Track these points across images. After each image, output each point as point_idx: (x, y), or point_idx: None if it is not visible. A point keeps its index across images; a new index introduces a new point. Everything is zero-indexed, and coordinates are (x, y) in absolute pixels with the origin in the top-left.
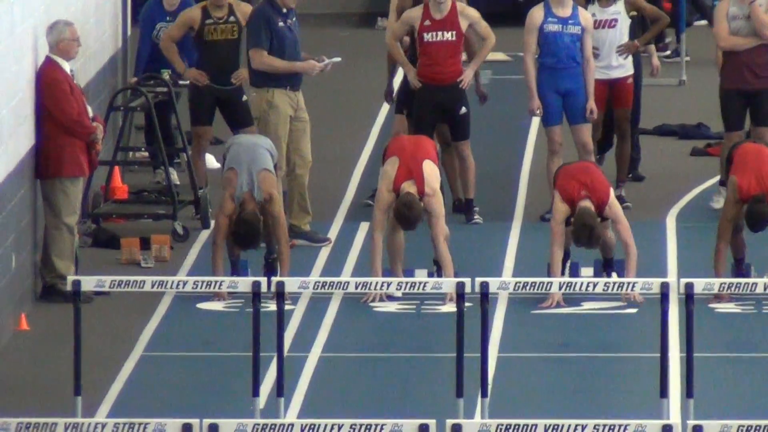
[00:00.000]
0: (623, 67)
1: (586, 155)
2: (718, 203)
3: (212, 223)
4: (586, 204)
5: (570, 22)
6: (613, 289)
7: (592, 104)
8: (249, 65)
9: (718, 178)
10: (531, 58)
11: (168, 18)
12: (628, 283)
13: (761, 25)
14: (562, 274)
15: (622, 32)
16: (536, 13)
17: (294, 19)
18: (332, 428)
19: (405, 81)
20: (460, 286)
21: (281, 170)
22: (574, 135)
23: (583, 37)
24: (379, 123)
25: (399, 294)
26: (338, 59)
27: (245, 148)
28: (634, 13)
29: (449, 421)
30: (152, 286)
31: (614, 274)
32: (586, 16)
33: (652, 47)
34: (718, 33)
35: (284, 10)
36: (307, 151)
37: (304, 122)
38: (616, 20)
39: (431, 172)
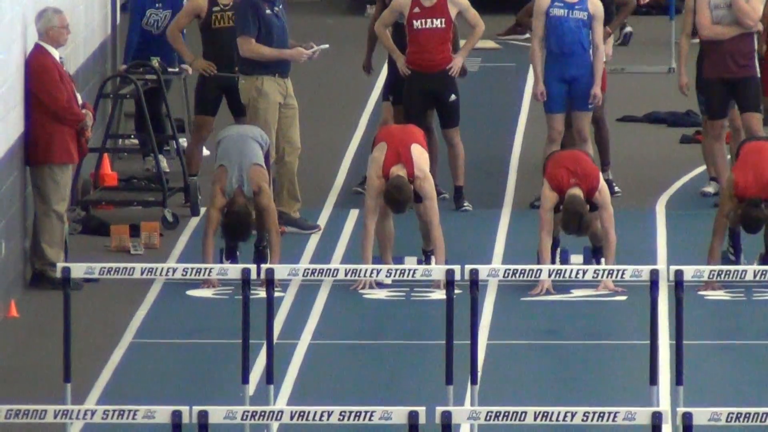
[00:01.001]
0: None
1: (581, 142)
2: (710, 186)
3: (202, 211)
4: (576, 191)
5: (576, 7)
6: (602, 276)
7: (597, 90)
8: (237, 53)
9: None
10: (538, 43)
11: (158, 5)
12: (615, 271)
13: (743, 14)
14: (552, 261)
15: None
16: None
17: (281, 6)
18: (322, 415)
19: (394, 68)
20: (450, 273)
21: (271, 157)
22: (573, 120)
23: (592, 23)
24: (369, 110)
25: (389, 281)
26: (326, 46)
27: (234, 142)
28: None
29: (439, 409)
30: (142, 273)
31: (603, 261)
32: (595, 2)
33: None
34: (701, 22)
35: None
36: (296, 138)
37: (293, 109)
38: None
39: (420, 155)
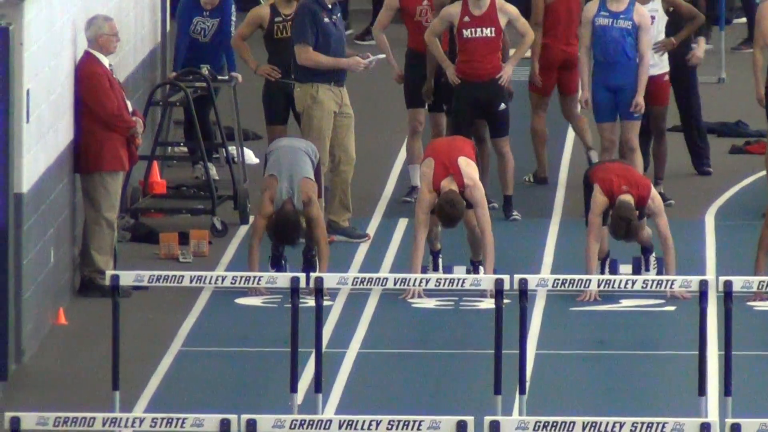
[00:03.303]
0: (659, 65)
1: (629, 152)
2: None
3: (251, 219)
4: (627, 198)
5: (622, 16)
6: (651, 286)
7: (639, 99)
8: (294, 61)
9: (757, 176)
10: (585, 52)
11: (205, 13)
12: (664, 282)
13: None
14: (602, 271)
15: (659, 30)
16: (590, 6)
17: (339, 14)
18: (370, 424)
19: (443, 77)
20: (499, 283)
21: (324, 165)
22: (621, 130)
23: (638, 33)
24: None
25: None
26: (382, 56)
27: (285, 153)
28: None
29: (487, 418)
30: (191, 281)
31: (653, 270)
32: (642, 12)
33: (702, 39)
34: (766, 33)
35: (329, 6)
36: (352, 148)
37: (348, 118)
38: (653, 17)
39: (467, 165)
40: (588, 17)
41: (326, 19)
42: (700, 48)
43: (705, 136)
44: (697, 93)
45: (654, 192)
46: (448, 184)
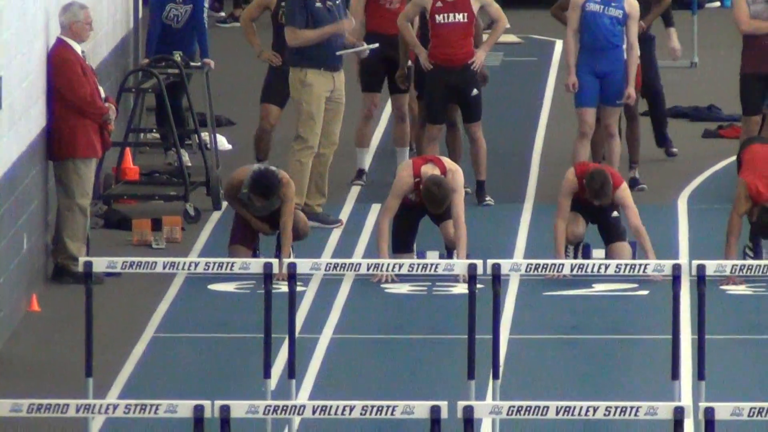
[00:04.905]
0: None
1: (608, 137)
2: None
3: (224, 205)
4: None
5: (613, 4)
6: (624, 271)
7: (631, 90)
8: (285, 44)
9: (729, 160)
10: (573, 35)
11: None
12: (638, 266)
13: None
14: (575, 256)
15: None
16: None
17: (338, 2)
18: (343, 410)
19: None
20: (472, 268)
21: (313, 150)
22: (601, 116)
23: (627, 22)
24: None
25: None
26: (376, 45)
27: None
28: None
29: (461, 403)
30: (164, 268)
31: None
32: (632, 2)
33: (672, 31)
34: (739, 17)
35: None
36: (335, 134)
37: (337, 104)
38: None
39: (445, 158)
40: (578, 2)
41: (318, 4)
42: (674, 40)
43: (665, 119)
44: (658, 74)
45: (625, 185)
46: (431, 170)
